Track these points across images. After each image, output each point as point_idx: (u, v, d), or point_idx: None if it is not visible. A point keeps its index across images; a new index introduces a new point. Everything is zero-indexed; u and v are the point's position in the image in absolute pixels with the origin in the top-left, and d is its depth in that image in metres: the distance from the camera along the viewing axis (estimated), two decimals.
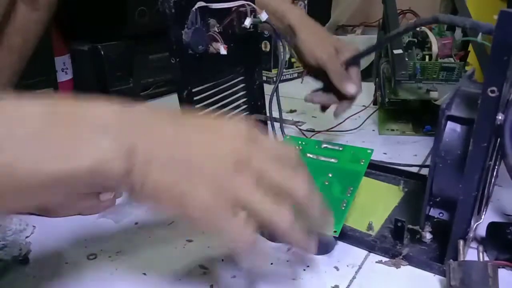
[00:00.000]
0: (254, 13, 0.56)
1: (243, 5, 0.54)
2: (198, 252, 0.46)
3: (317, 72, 0.63)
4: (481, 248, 0.40)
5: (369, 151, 0.50)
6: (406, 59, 0.71)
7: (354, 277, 0.42)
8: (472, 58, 0.72)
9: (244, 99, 0.62)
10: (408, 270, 0.43)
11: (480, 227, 0.47)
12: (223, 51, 0.52)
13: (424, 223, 0.44)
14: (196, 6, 0.49)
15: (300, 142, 0.53)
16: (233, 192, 0.30)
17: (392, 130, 0.79)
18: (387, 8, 0.83)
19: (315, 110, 0.93)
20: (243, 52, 0.58)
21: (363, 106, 0.87)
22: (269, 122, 0.63)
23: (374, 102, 0.86)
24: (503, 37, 0.33)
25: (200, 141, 0.31)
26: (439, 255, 0.43)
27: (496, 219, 0.50)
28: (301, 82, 1.14)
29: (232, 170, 0.30)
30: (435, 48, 0.72)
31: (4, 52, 0.52)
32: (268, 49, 1.18)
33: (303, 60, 0.65)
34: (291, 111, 0.92)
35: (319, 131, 0.78)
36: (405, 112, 0.79)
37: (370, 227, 0.47)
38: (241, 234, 0.31)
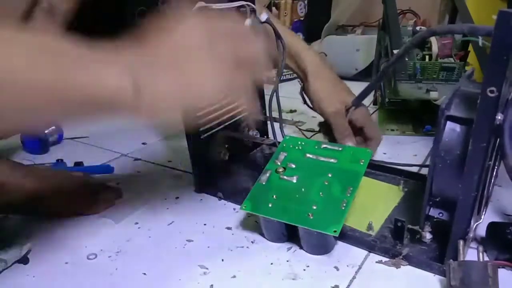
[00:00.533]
0: (254, 13, 0.56)
1: (243, 6, 0.54)
2: (198, 252, 0.46)
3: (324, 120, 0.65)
4: (481, 248, 0.40)
5: (368, 151, 0.50)
6: (406, 59, 0.71)
7: (354, 277, 0.42)
8: (472, 58, 0.72)
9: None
10: (408, 270, 0.43)
11: (480, 227, 0.47)
12: None
13: (424, 223, 0.44)
14: (196, 7, 0.48)
15: (300, 142, 0.53)
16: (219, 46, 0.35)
17: (392, 130, 0.79)
18: (387, 8, 0.83)
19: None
20: None
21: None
22: (268, 122, 0.63)
23: (374, 102, 0.86)
24: (502, 37, 0.33)
25: (178, 41, 0.35)
26: (439, 255, 0.43)
27: (496, 219, 0.50)
28: (300, 82, 1.14)
29: (211, 48, 0.35)
30: (435, 48, 0.72)
31: None
32: None
33: (311, 106, 0.67)
34: (291, 111, 0.92)
35: (319, 131, 0.78)
36: (405, 112, 0.79)
37: (370, 227, 0.47)
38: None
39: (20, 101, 0.30)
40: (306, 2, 1.19)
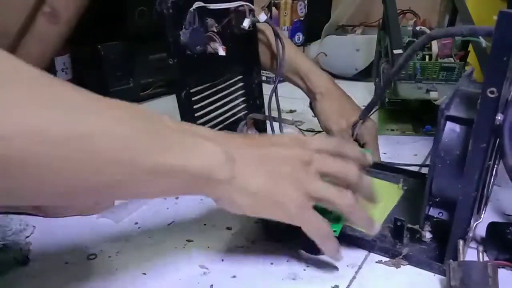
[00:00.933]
0: (252, 13, 0.56)
1: (241, 5, 0.54)
2: (198, 252, 0.46)
3: None
4: (481, 248, 0.40)
5: (367, 154, 0.50)
6: None
7: (354, 277, 0.42)
8: (472, 58, 0.72)
9: (243, 98, 0.62)
10: (408, 270, 0.43)
11: (480, 227, 0.47)
12: (222, 52, 0.52)
13: (424, 222, 0.44)
14: (194, 7, 0.48)
15: None
16: (307, 186, 0.37)
17: (392, 130, 0.79)
18: (387, 8, 0.83)
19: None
20: (242, 52, 0.58)
21: (363, 106, 0.87)
22: (268, 121, 0.63)
23: None
24: (503, 37, 0.33)
25: (273, 151, 0.38)
26: (439, 255, 0.43)
27: (496, 219, 0.50)
28: None
29: (302, 169, 0.37)
30: (435, 48, 0.72)
31: None
32: None
33: (319, 123, 0.67)
34: (291, 111, 0.92)
35: (319, 131, 0.78)
36: (405, 112, 0.79)
37: None
38: (320, 226, 0.38)
39: (103, 180, 0.28)
40: (306, 2, 1.19)
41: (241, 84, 0.61)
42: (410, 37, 0.74)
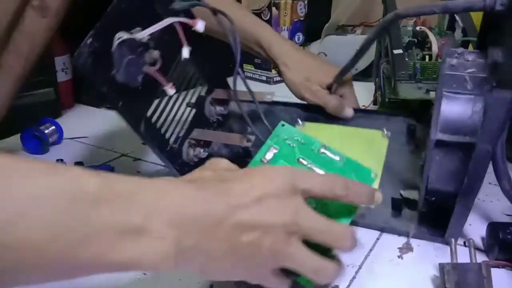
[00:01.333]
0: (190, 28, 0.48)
1: (171, 24, 0.46)
2: None
3: None
4: (471, 243, 0.40)
5: (372, 175, 0.40)
6: (406, 59, 0.71)
7: (354, 277, 0.42)
8: None
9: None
10: (408, 270, 0.43)
11: (480, 227, 0.48)
12: (171, 92, 0.47)
13: (423, 204, 0.45)
14: (115, 44, 0.41)
15: (296, 137, 0.43)
16: (282, 264, 0.33)
17: None
18: (387, 8, 0.83)
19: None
20: (195, 57, 0.51)
21: (363, 106, 0.87)
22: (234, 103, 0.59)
23: (374, 102, 0.86)
24: None
25: (258, 218, 0.31)
26: (439, 227, 0.45)
27: (496, 219, 0.50)
28: None
29: (282, 243, 0.32)
30: (435, 48, 0.71)
31: (10, 57, 0.52)
32: None
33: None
34: None
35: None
36: (405, 112, 0.79)
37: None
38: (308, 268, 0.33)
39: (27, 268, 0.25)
40: (306, 2, 1.19)
41: (206, 88, 0.59)
42: (410, 37, 0.74)
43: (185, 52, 0.48)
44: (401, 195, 0.47)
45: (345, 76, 0.60)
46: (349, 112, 0.61)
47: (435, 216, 0.46)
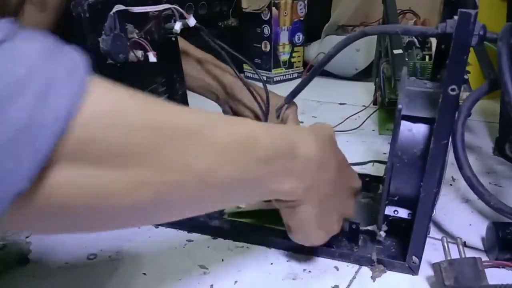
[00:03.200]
0: (182, 17, 0.51)
1: (165, 10, 0.49)
2: (198, 252, 0.46)
3: None
4: (460, 241, 0.40)
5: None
6: (406, 59, 0.71)
7: (354, 277, 0.42)
8: (472, 58, 0.72)
9: None
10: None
11: (480, 227, 0.48)
12: (153, 59, 0.48)
13: (382, 223, 0.44)
14: (114, 10, 0.43)
15: None
16: (346, 211, 0.44)
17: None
18: (387, 8, 0.83)
19: (315, 110, 0.93)
20: (164, 60, 0.53)
21: (363, 106, 0.87)
22: None
23: (374, 102, 0.86)
24: (462, 36, 0.34)
25: (338, 183, 0.41)
26: (400, 252, 0.43)
27: (496, 219, 0.50)
28: None
29: (349, 197, 0.44)
30: (434, 48, 0.72)
31: None
32: (268, 49, 1.18)
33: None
34: None
35: None
36: None
37: None
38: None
39: (207, 198, 0.31)
40: (306, 2, 1.19)
41: (165, 95, 0.56)
42: (410, 37, 0.74)
43: (177, 26, 0.51)
44: (358, 226, 0.46)
45: (295, 97, 0.58)
46: None
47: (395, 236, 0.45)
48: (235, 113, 0.64)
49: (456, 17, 0.34)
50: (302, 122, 0.73)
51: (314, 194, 0.38)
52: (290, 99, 0.58)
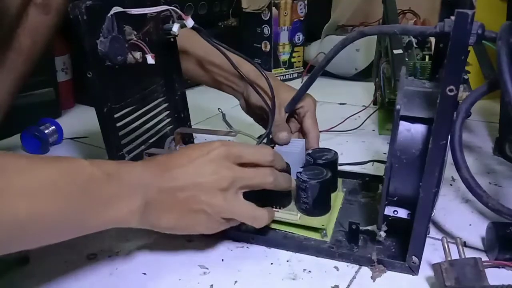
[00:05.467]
0: (180, 19, 0.51)
1: (165, 10, 0.49)
2: (198, 252, 0.46)
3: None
4: (459, 241, 0.40)
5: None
6: (406, 59, 0.71)
7: (354, 277, 0.42)
8: (471, 58, 0.72)
9: (167, 112, 0.57)
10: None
11: (480, 227, 0.48)
12: (151, 60, 0.47)
13: (382, 223, 0.44)
14: (112, 12, 0.43)
15: None
16: (221, 213, 0.41)
17: None
18: (387, 8, 0.83)
19: (315, 110, 0.93)
20: (162, 62, 0.54)
21: (363, 106, 0.87)
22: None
23: (374, 102, 0.86)
24: (460, 37, 0.34)
25: (190, 185, 0.40)
26: (399, 253, 0.43)
27: (496, 219, 0.50)
28: (301, 82, 1.14)
29: (219, 196, 0.40)
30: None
31: (12, 53, 0.52)
32: (268, 49, 1.18)
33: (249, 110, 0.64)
34: None
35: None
36: None
37: (323, 233, 0.46)
38: (248, 215, 0.43)
39: (38, 235, 0.34)
40: (306, 2, 1.19)
41: (164, 97, 0.56)
42: (410, 37, 0.74)
43: (175, 28, 0.51)
44: (358, 226, 0.46)
45: (297, 103, 0.57)
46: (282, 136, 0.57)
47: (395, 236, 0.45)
48: (253, 105, 0.61)
49: (453, 17, 0.34)
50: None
51: (160, 206, 0.39)
52: (290, 107, 0.57)
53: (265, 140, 0.55)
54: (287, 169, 0.48)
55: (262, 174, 0.43)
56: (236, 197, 0.41)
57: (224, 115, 0.64)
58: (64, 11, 0.53)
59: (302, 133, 0.60)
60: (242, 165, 0.42)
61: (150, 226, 0.41)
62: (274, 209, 0.48)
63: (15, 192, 0.32)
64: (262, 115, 0.61)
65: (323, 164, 0.51)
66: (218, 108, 0.63)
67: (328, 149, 0.54)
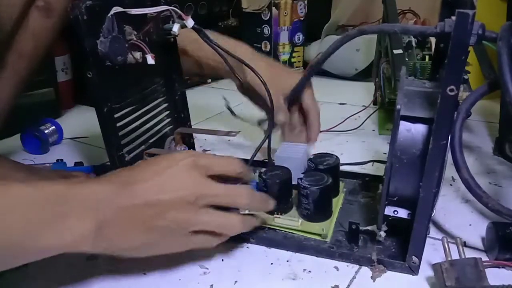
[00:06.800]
0: (180, 19, 0.51)
1: (165, 10, 0.49)
2: (198, 252, 0.46)
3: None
4: (459, 241, 0.40)
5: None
6: (406, 59, 0.71)
7: (354, 277, 0.42)
8: (471, 58, 0.72)
9: (167, 112, 0.57)
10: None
11: (480, 227, 0.48)
12: (151, 61, 0.47)
13: (382, 223, 0.44)
14: (112, 12, 0.43)
15: None
16: (189, 227, 0.38)
17: None
18: (387, 8, 0.83)
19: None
20: (162, 62, 0.54)
21: (363, 106, 0.87)
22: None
23: (374, 102, 0.86)
24: (460, 37, 0.34)
25: (153, 201, 0.37)
26: (399, 253, 0.43)
27: (496, 219, 0.50)
28: None
29: (186, 211, 0.37)
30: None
31: (14, 57, 0.51)
32: (268, 49, 1.18)
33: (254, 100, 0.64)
34: None
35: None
36: None
37: (323, 233, 0.46)
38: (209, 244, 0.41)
39: None
40: (306, 2, 1.19)
41: (164, 97, 0.56)
42: (410, 37, 0.74)
43: (175, 28, 0.50)
44: (358, 226, 0.45)
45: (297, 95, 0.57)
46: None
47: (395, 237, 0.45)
48: (249, 86, 0.61)
49: (454, 18, 0.34)
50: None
51: (120, 225, 0.36)
52: (290, 98, 0.58)
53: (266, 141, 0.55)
54: (287, 176, 0.49)
55: (236, 194, 0.40)
56: (204, 209, 0.39)
57: (227, 102, 0.63)
58: (66, 14, 0.53)
59: (303, 114, 0.61)
60: (213, 177, 0.40)
61: (105, 249, 0.37)
62: (275, 215, 0.48)
63: None
64: (257, 95, 0.60)
65: (324, 170, 0.51)
66: (224, 97, 0.63)
67: (330, 154, 0.54)
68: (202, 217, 0.38)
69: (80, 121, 0.90)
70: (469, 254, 0.40)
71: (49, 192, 0.35)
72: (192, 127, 0.63)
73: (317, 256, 0.45)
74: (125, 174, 0.39)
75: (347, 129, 0.79)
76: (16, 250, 0.33)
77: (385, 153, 0.69)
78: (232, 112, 0.66)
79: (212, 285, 0.41)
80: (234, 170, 0.41)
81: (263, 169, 0.51)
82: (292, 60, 1.21)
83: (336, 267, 0.44)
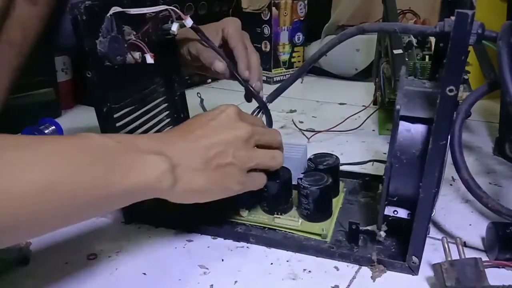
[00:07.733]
0: (179, 18, 0.51)
1: (164, 10, 0.49)
2: (198, 252, 0.46)
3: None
4: (459, 241, 0.40)
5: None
6: (406, 59, 0.71)
7: (354, 277, 0.42)
8: (471, 58, 0.72)
9: (167, 112, 0.57)
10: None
11: (480, 227, 0.48)
12: (150, 60, 0.47)
13: (382, 223, 0.44)
14: (111, 12, 0.44)
15: None
16: (247, 163, 0.43)
17: None
18: (387, 8, 0.83)
19: (315, 110, 0.93)
20: (162, 61, 0.53)
21: (363, 106, 0.87)
22: None
23: (374, 102, 0.86)
24: (460, 37, 0.33)
25: (213, 140, 0.41)
26: (399, 253, 0.43)
27: (496, 219, 0.50)
28: (301, 82, 1.14)
29: (242, 148, 0.42)
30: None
31: (3, 47, 0.51)
32: (268, 49, 1.18)
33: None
34: (291, 111, 0.91)
35: (319, 131, 0.78)
36: None
37: (323, 233, 0.46)
38: (260, 181, 0.46)
39: (62, 208, 0.32)
40: (306, 2, 1.19)
41: (164, 97, 0.56)
42: (410, 37, 0.74)
43: (174, 27, 0.51)
44: (358, 226, 0.45)
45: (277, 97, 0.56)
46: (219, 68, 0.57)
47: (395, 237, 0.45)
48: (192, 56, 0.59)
49: (453, 17, 0.34)
50: (295, 110, 0.67)
51: (190, 165, 0.39)
52: (274, 97, 0.56)
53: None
54: (287, 176, 0.49)
55: (274, 133, 0.48)
56: (254, 148, 0.44)
57: (202, 100, 0.61)
58: (53, 2, 0.53)
59: (234, 55, 0.58)
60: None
61: (183, 190, 0.39)
62: (275, 215, 0.48)
63: (20, 166, 0.31)
64: (198, 66, 0.60)
65: (324, 170, 0.51)
66: (197, 93, 0.61)
67: (330, 154, 0.54)
68: (257, 153, 0.44)
69: (80, 121, 0.90)
70: (469, 254, 0.40)
71: (122, 140, 0.38)
72: None
73: (317, 256, 0.45)
74: (180, 128, 0.43)
75: (347, 129, 0.79)
76: (97, 191, 0.34)
77: (385, 153, 0.69)
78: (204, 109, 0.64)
79: (212, 285, 0.41)
80: (258, 122, 0.49)
81: None
82: (292, 60, 1.21)
83: (336, 267, 0.44)
